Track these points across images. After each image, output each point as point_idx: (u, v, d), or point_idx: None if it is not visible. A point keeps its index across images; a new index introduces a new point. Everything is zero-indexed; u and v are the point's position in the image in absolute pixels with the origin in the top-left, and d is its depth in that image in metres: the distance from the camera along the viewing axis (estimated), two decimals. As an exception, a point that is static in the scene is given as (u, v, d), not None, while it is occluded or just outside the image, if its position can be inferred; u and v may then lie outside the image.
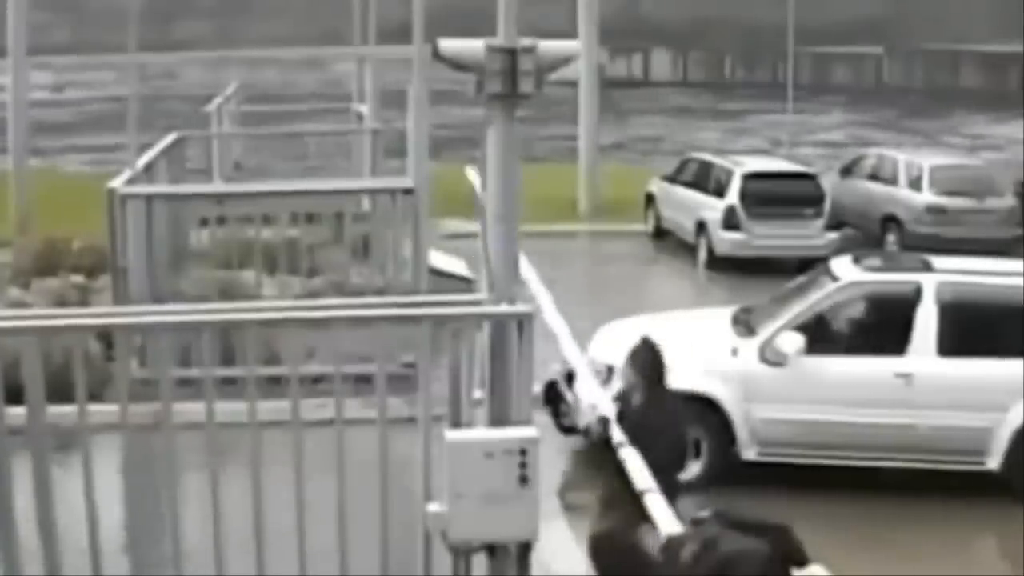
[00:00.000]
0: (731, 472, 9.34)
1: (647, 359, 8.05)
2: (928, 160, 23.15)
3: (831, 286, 11.26)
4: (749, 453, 10.12)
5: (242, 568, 6.55)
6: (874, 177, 23.39)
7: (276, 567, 6.51)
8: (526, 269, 6.81)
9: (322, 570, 6.55)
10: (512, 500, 5.91)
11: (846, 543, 6.86)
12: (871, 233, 22.60)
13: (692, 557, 4.28)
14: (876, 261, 12.45)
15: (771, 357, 10.15)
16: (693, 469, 9.14)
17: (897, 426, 8.98)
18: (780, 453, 8.83)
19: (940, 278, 11.09)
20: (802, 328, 10.50)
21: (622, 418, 7.51)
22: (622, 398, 8.00)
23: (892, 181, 22.73)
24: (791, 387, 9.35)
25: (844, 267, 11.85)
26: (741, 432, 10.01)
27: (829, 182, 22.90)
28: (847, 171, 24.55)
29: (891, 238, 22.09)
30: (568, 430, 10.83)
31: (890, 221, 22.21)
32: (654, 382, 7.98)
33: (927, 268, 11.48)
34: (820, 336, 10.16)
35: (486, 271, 6.44)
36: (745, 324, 11.12)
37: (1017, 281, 11.03)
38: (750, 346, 10.37)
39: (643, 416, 7.81)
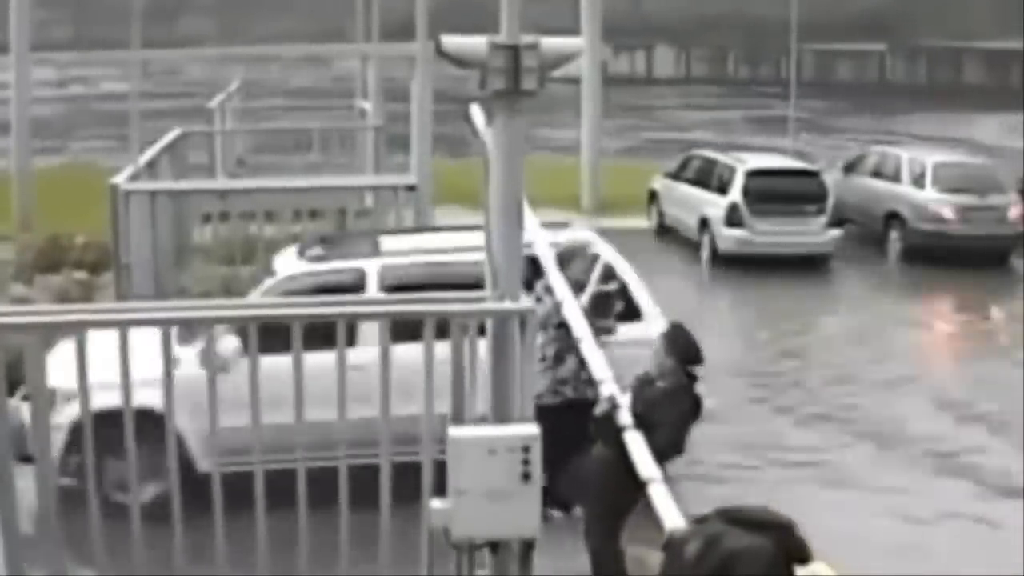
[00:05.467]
0: (198, 486, 7.41)
1: (683, 344, 8.18)
2: (931, 157, 23.14)
3: (268, 283, 10.72)
4: (205, 465, 8.57)
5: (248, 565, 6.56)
6: (877, 174, 23.39)
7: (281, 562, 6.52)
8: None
9: (325, 566, 6.56)
10: (515, 497, 5.91)
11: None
12: (874, 230, 22.61)
13: (695, 554, 4.26)
14: (318, 250, 11.68)
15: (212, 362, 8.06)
16: (151, 490, 8.15)
17: (355, 421, 7.32)
18: (238, 462, 7.26)
19: (383, 262, 10.64)
20: (245, 329, 8.30)
21: (638, 398, 7.54)
22: (645, 380, 8.05)
23: (895, 178, 22.73)
24: (237, 391, 7.60)
25: (285, 260, 11.32)
26: (193, 444, 9.07)
27: (832, 179, 22.91)
28: (850, 168, 24.54)
29: (894, 235, 22.11)
30: None
31: (893, 218, 22.22)
32: (687, 368, 8.12)
33: (372, 252, 10.99)
34: (271, 333, 8.47)
35: (489, 268, 6.44)
36: (187, 330, 9.86)
37: (461, 257, 10.08)
38: (190, 353, 8.98)
39: (663, 400, 7.89)
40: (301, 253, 11.51)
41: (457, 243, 10.73)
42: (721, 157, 23.07)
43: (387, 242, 11.34)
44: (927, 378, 15.23)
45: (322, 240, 12.31)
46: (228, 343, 8.62)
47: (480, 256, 10.28)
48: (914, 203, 21.93)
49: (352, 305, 7.74)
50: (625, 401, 7.29)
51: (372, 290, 10.39)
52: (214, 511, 6.47)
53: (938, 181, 22.00)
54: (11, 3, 22.05)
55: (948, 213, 21.49)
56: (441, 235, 11.83)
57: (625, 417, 6.96)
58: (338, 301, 7.70)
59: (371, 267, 10.60)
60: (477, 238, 11.02)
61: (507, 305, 6.23)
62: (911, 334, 17.66)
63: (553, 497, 8.86)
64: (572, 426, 9.75)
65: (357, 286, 10.40)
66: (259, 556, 6.46)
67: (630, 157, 34.18)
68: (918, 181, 22.21)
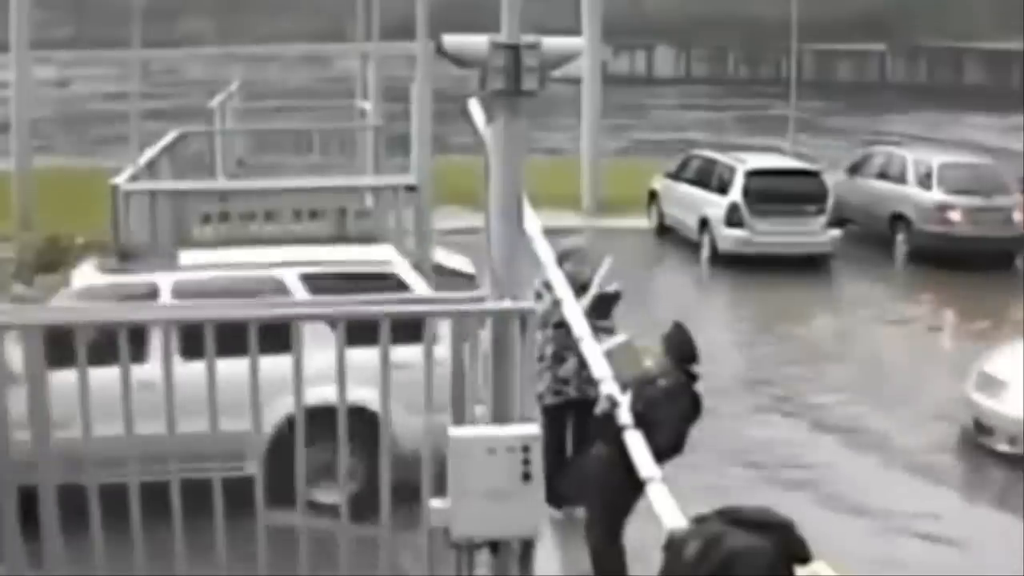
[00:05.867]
0: None
1: (682, 343, 8.19)
2: (937, 158, 23.03)
3: (62, 293, 10.77)
4: None
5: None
6: (883, 175, 23.27)
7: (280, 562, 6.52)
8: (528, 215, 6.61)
9: (324, 567, 6.55)
10: (515, 497, 5.89)
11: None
12: (880, 231, 22.49)
13: (695, 554, 4.26)
14: (113, 262, 11.69)
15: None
16: None
17: (148, 438, 7.22)
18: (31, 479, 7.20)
19: (177, 276, 10.67)
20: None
21: (638, 396, 7.53)
22: (645, 379, 8.04)
23: (901, 179, 22.61)
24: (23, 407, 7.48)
25: (82, 272, 11.34)
26: None
27: (834, 180, 22.86)
28: (854, 169, 24.44)
29: (900, 237, 22.00)
30: None
31: (899, 220, 22.11)
32: (685, 368, 8.13)
33: (168, 267, 11.04)
34: (65, 346, 8.11)
35: (488, 268, 6.42)
36: None
37: (256, 273, 10.58)
38: None
39: (664, 399, 7.89)
40: (100, 265, 11.47)
41: (258, 259, 10.94)
42: (721, 157, 23.05)
43: (185, 257, 11.38)
44: (925, 378, 15.23)
45: (121, 253, 12.23)
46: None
47: (276, 272, 10.40)
48: (920, 204, 21.81)
49: (355, 305, 7.69)
50: (625, 400, 7.29)
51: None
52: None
53: (944, 182, 21.87)
54: (11, 3, 22.05)
55: (955, 215, 21.39)
56: (242, 251, 11.85)
57: (625, 416, 6.95)
58: (331, 302, 7.63)
59: (165, 281, 10.60)
60: (282, 253, 11.12)
61: (507, 305, 6.21)
62: (912, 335, 17.65)
63: (553, 496, 8.86)
64: (574, 425, 9.75)
65: (151, 300, 10.22)
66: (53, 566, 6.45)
67: (630, 157, 34.17)
68: (924, 182, 22.08)
